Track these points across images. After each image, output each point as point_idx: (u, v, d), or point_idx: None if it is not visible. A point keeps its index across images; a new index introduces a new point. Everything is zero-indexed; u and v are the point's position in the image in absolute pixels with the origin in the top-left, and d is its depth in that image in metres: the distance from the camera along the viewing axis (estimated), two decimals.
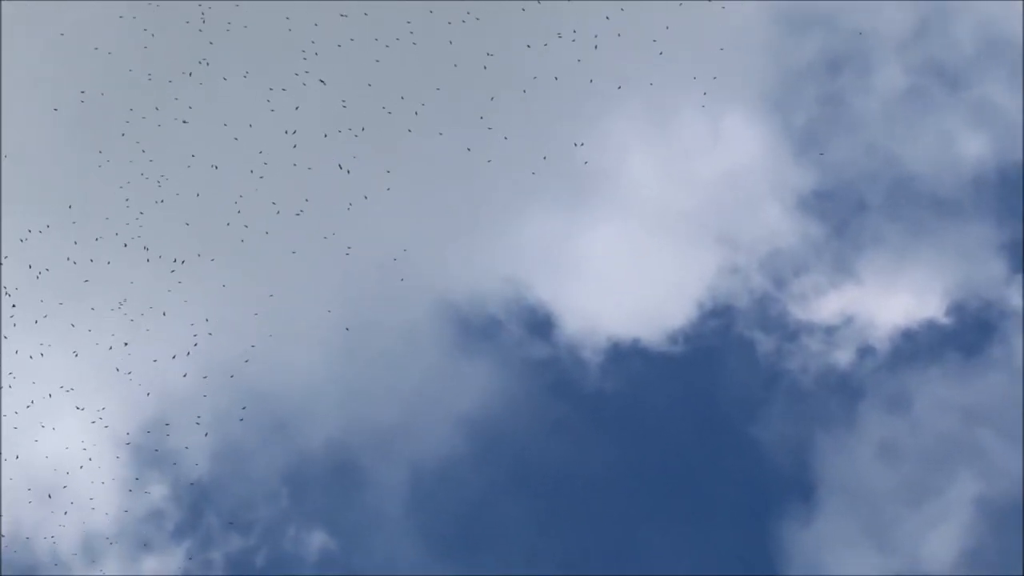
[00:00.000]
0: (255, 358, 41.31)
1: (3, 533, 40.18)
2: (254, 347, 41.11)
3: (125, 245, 40.76)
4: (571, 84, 43.12)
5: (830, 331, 45.91)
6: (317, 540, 42.78)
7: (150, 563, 41.63)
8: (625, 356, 45.62)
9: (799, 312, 46.07)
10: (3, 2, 41.19)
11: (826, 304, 46.17)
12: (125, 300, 40.66)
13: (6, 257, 40.17)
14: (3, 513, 40.16)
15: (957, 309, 45.95)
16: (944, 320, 45.92)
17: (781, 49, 46.15)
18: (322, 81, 39.46)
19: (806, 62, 46.67)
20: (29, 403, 40.28)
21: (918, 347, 45.71)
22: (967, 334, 45.69)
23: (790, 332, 45.93)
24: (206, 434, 41.76)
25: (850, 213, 46.69)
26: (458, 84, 41.67)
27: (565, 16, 42.77)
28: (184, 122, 40.88)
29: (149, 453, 41.86)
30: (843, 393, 45.37)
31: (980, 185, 46.50)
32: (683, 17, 43.43)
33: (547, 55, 42.43)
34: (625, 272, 46.16)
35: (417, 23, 41.38)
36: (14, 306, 40.05)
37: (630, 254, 46.22)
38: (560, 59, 42.68)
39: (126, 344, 40.50)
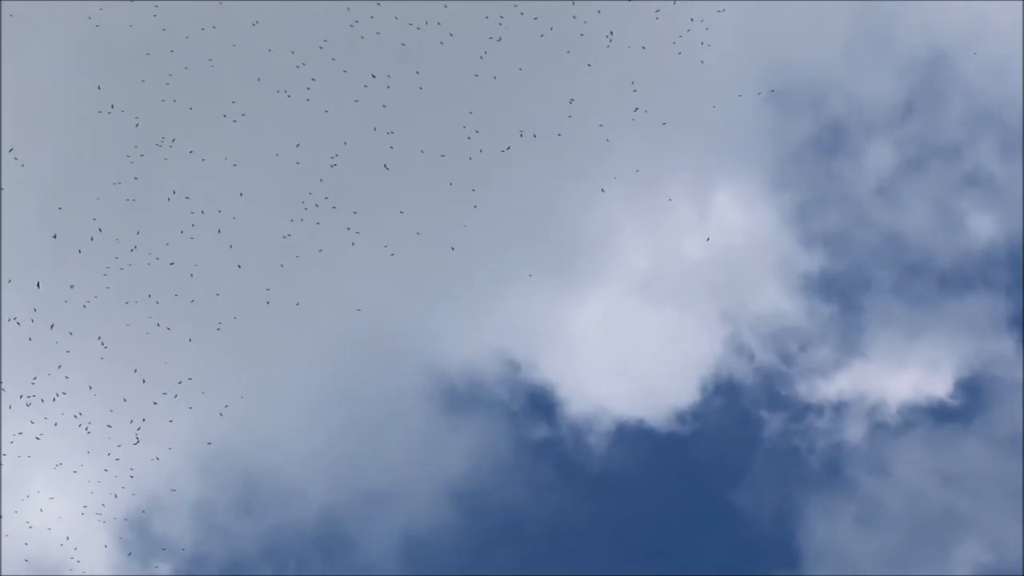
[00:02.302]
0: (246, 429, 41.04)
1: None
2: (245, 418, 40.79)
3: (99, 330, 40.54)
4: (565, 160, 43.59)
5: (838, 408, 45.42)
6: None
7: None
8: (631, 436, 45.19)
9: (806, 390, 45.63)
10: None
11: (833, 381, 45.73)
12: (111, 377, 40.33)
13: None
14: None
15: (965, 384, 45.54)
16: (952, 394, 45.46)
17: (776, 128, 46.63)
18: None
19: (800, 140, 47.14)
20: (21, 486, 39.82)
21: (927, 422, 45.19)
22: (975, 409, 45.19)
23: (798, 410, 45.47)
24: (196, 508, 41.33)
25: (853, 290, 46.64)
26: (448, 151, 42.14)
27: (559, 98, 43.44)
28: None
29: (142, 531, 41.39)
30: (852, 469, 44.73)
31: (986, 258, 46.49)
32: (675, 95, 44.11)
33: (544, 129, 42.97)
34: (624, 349, 45.97)
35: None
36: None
37: (628, 330, 46.07)
38: (553, 135, 43.23)
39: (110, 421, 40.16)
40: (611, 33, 42.94)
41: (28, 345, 39.88)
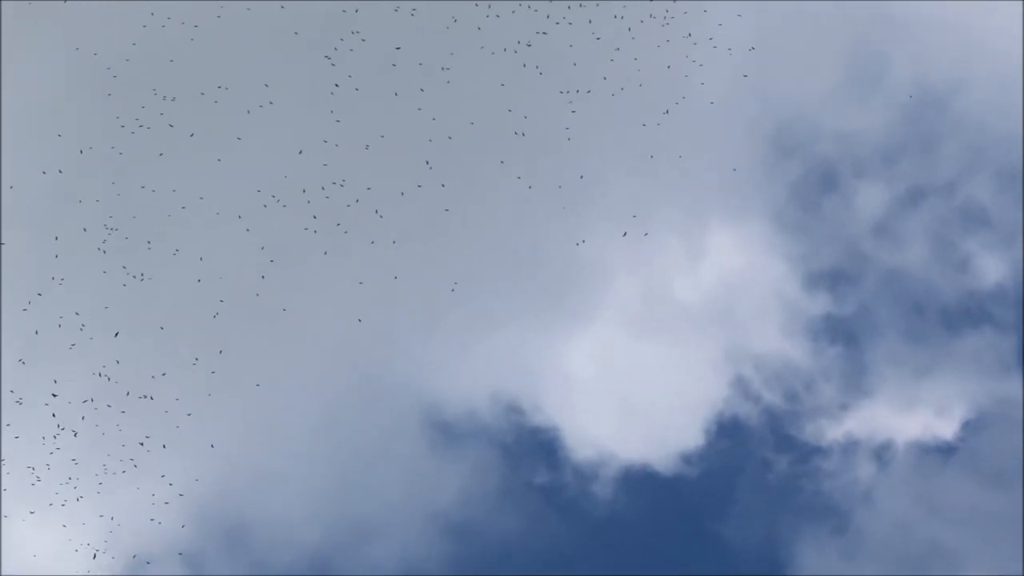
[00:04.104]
0: (236, 467, 40.51)
1: None
2: (234, 456, 40.28)
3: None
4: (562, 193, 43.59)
5: (846, 449, 44.81)
6: None
7: None
8: (636, 481, 44.52)
9: (812, 431, 45.06)
10: None
11: (841, 422, 45.18)
12: (96, 418, 39.76)
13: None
14: None
15: (973, 424, 45.00)
16: (960, 435, 44.91)
17: (773, 167, 46.62)
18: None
19: (798, 179, 47.05)
20: (10, 531, 39.12)
21: (934, 462, 44.57)
22: (982, 448, 44.63)
23: (805, 452, 44.84)
24: (187, 552, 40.71)
25: (858, 329, 46.24)
26: (441, 187, 42.07)
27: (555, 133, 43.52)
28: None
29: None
30: (860, 510, 44.06)
31: (991, 296, 46.18)
32: (669, 136, 44.24)
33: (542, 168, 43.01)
34: (627, 391, 45.41)
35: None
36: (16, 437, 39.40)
37: (631, 372, 45.53)
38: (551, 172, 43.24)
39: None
40: (605, 77, 43.41)
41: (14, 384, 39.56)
